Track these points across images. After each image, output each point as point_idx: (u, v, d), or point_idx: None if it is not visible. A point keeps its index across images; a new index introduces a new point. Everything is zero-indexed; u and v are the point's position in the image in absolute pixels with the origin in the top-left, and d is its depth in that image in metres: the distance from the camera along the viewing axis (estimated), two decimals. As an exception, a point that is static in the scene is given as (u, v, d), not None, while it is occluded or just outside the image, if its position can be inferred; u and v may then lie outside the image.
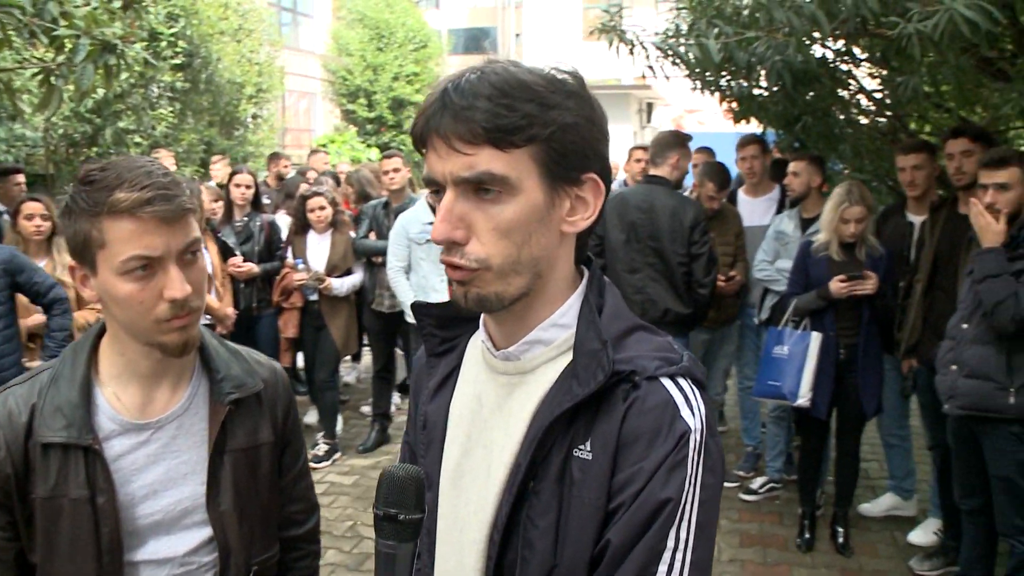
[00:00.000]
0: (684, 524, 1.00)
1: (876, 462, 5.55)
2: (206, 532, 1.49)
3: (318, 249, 5.54)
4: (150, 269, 1.35)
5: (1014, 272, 3.21)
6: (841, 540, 4.41)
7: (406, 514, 1.01)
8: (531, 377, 1.12)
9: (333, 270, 5.52)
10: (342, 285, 5.52)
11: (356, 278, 5.63)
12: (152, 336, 1.40)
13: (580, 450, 1.05)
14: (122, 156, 1.43)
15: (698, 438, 1.02)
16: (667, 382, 1.05)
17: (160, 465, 1.47)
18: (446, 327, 1.26)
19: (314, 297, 5.54)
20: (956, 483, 3.64)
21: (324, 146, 15.66)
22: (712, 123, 14.96)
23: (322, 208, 5.47)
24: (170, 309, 1.37)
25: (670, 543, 0.99)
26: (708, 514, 1.02)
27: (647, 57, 4.77)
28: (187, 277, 1.38)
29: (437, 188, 1.06)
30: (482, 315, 1.18)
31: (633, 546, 0.99)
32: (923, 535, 4.37)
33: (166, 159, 7.51)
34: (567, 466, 1.05)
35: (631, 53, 4.82)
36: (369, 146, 17.61)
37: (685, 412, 1.03)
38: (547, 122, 1.01)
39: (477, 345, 1.22)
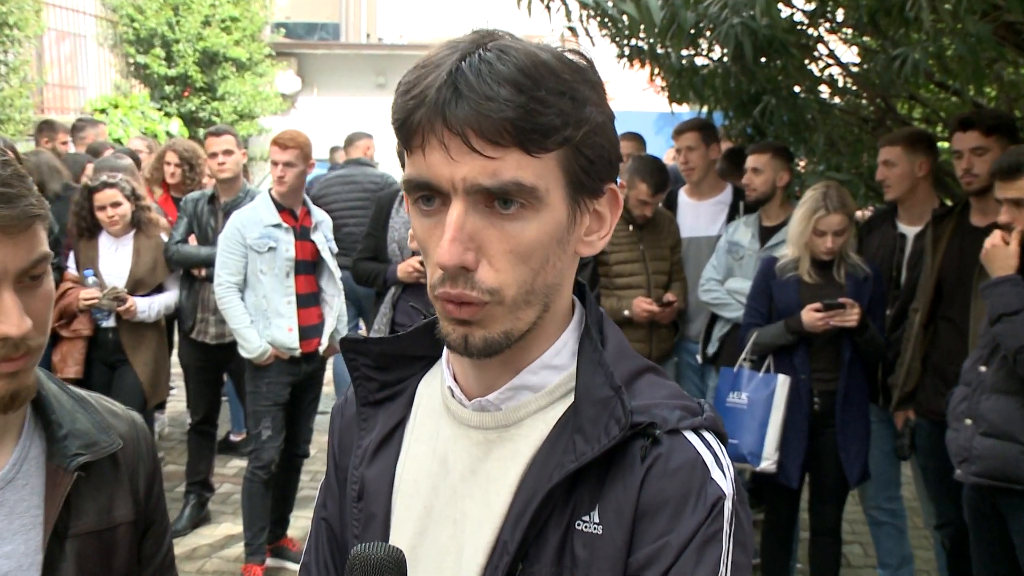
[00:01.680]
0: None
1: (860, 544, 5.57)
2: None
3: (115, 258, 5.25)
4: None
5: None
6: (816, 646, 4.37)
7: None
8: (515, 432, 1.15)
9: (137, 286, 5.22)
10: (150, 307, 5.24)
11: (169, 297, 5.39)
12: None
13: (585, 522, 1.08)
14: None
15: (731, 506, 1.06)
16: (692, 437, 1.09)
17: None
18: (388, 368, 1.29)
19: (109, 323, 5.17)
20: (978, 573, 3.57)
21: (102, 112, 14.62)
22: (624, 99, 15.09)
23: (116, 204, 5.10)
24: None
25: None
26: None
27: (568, 16, 4.68)
28: (27, 307, 1.34)
29: (429, 194, 1.07)
30: (447, 352, 1.23)
31: None
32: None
33: None
34: (568, 543, 1.08)
35: (547, 9, 4.73)
36: (168, 115, 16.45)
37: (716, 474, 1.07)
38: (580, 121, 1.05)
39: (434, 391, 1.26)
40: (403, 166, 1.15)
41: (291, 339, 4.74)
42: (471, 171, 1.02)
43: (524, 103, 1.00)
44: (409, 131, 1.05)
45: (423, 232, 1.09)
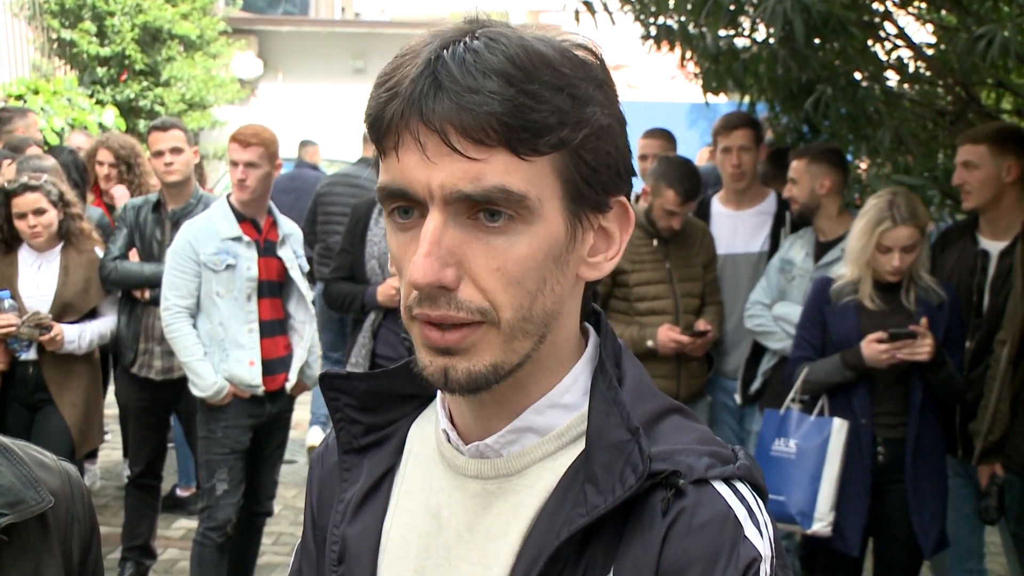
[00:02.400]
0: None
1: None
2: None
3: (38, 276, 5.27)
4: None
5: None
6: None
7: None
8: (518, 483, 1.17)
9: (65, 311, 5.22)
10: (80, 336, 5.23)
11: (104, 325, 5.39)
12: None
13: None
14: None
15: (768, 569, 1.07)
16: (723, 488, 1.11)
17: None
18: (375, 408, 1.31)
19: (29, 355, 5.18)
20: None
21: (19, 99, 14.54)
22: (648, 87, 15.18)
23: (39, 212, 5.10)
24: None
25: None
26: None
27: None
28: None
29: (406, 205, 1.08)
30: (440, 391, 1.24)
31: None
32: None
33: None
34: None
35: None
36: (100, 103, 16.36)
37: (751, 531, 1.08)
38: (580, 122, 1.06)
39: (427, 435, 1.28)
40: (377, 172, 1.17)
41: (252, 375, 4.75)
42: (450, 175, 1.03)
43: (513, 96, 1.02)
44: (381, 129, 1.07)
45: (398, 249, 1.11)
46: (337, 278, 5.11)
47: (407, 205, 1.08)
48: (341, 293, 5.10)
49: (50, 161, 6.09)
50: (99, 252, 5.40)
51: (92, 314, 5.35)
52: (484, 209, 1.05)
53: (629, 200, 1.18)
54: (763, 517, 1.11)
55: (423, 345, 1.10)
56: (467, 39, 1.05)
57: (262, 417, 4.90)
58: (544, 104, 1.03)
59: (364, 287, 5.00)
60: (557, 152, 1.06)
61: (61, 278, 5.24)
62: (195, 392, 4.83)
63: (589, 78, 1.09)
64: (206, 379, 4.73)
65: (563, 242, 1.10)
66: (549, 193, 1.07)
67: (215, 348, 4.83)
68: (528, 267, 1.07)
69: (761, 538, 1.08)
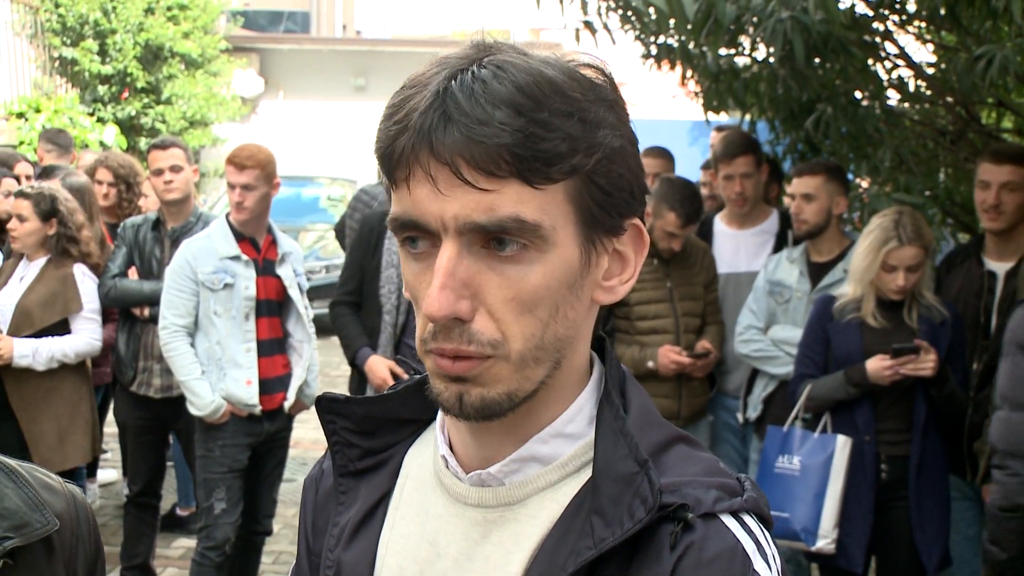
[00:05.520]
0: None
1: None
2: None
3: (18, 287, 5.21)
4: None
5: None
6: None
7: None
8: (520, 512, 1.17)
9: (23, 322, 5.07)
10: (36, 352, 5.01)
11: (71, 342, 5.17)
12: None
13: None
14: None
15: None
16: (730, 521, 1.10)
17: None
18: (372, 433, 1.31)
19: None
20: None
21: (20, 116, 14.57)
22: (647, 104, 15.21)
23: (21, 219, 5.14)
24: None
25: None
26: None
27: (584, 8, 4.74)
28: None
29: (415, 235, 1.09)
30: (442, 416, 1.25)
31: None
32: None
33: None
34: None
35: (559, 0, 4.80)
36: (101, 121, 16.41)
37: (760, 565, 1.08)
38: (592, 147, 1.07)
39: (424, 460, 1.28)
40: (389, 201, 1.17)
41: (249, 394, 4.74)
42: (463, 207, 1.04)
43: (523, 127, 1.02)
44: (392, 161, 1.07)
45: (412, 278, 1.11)
46: (344, 301, 5.08)
47: (417, 235, 1.09)
48: (342, 328, 5.12)
49: (82, 179, 6.11)
50: (83, 270, 5.30)
51: (59, 330, 5.17)
52: (496, 238, 1.05)
53: (643, 221, 1.18)
54: (771, 550, 1.12)
55: (437, 374, 1.10)
56: (475, 68, 1.05)
57: (260, 436, 4.88)
58: (555, 132, 1.03)
59: (361, 340, 5.02)
60: (570, 179, 1.06)
61: (28, 287, 5.17)
62: (192, 411, 4.81)
63: (599, 100, 1.09)
64: (203, 398, 4.71)
65: (577, 268, 1.10)
66: (563, 220, 1.07)
67: (213, 367, 4.82)
68: (542, 296, 1.08)
69: (770, 571, 1.09)
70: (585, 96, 1.07)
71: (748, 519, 1.12)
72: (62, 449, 5.16)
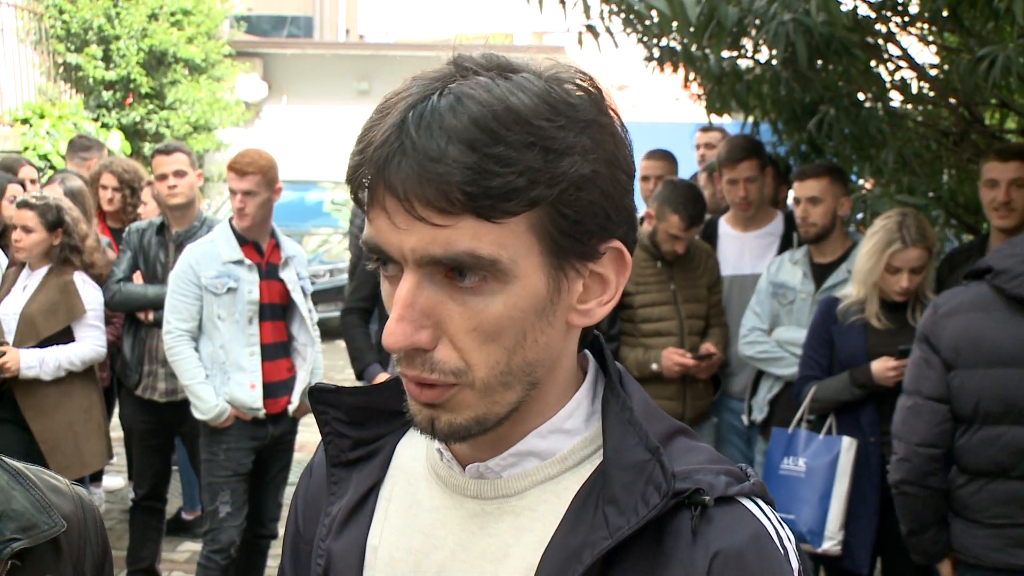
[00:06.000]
0: None
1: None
2: None
3: (21, 296, 5.21)
4: None
5: None
6: None
7: None
8: (518, 504, 1.17)
9: (27, 331, 5.07)
10: (43, 361, 5.01)
11: (76, 349, 5.17)
12: None
13: None
14: None
15: None
16: (750, 504, 1.12)
17: None
18: (363, 423, 1.32)
19: None
20: None
21: (24, 122, 14.62)
22: (650, 107, 15.23)
23: (27, 231, 5.12)
24: None
25: None
26: None
27: (587, 12, 4.74)
28: None
29: (383, 258, 1.09)
30: None
31: None
32: None
33: None
34: None
35: (562, 4, 4.80)
36: (106, 126, 16.39)
37: (787, 544, 1.12)
38: (555, 178, 1.04)
39: (417, 451, 1.29)
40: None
41: (253, 397, 4.75)
42: (419, 240, 1.04)
43: (475, 164, 1.00)
44: (356, 189, 1.08)
45: (386, 297, 1.11)
46: (356, 309, 5.08)
47: (387, 259, 1.08)
48: (352, 340, 5.13)
49: (78, 183, 6.11)
50: (83, 277, 5.30)
51: (62, 339, 5.17)
52: (456, 268, 1.05)
53: (628, 242, 1.15)
54: (785, 531, 1.14)
55: (410, 397, 1.12)
56: (435, 97, 1.04)
57: (264, 440, 4.89)
58: (511, 166, 1.01)
59: (371, 356, 5.02)
60: (531, 210, 1.04)
61: (30, 297, 5.17)
62: (197, 415, 4.83)
63: (572, 123, 1.06)
64: (207, 402, 4.72)
65: (545, 295, 1.09)
66: (525, 251, 1.06)
67: (217, 371, 4.83)
68: (504, 325, 1.07)
69: (792, 554, 1.12)
70: (553, 122, 1.04)
71: (763, 504, 1.14)
72: (80, 456, 5.17)
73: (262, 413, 4.78)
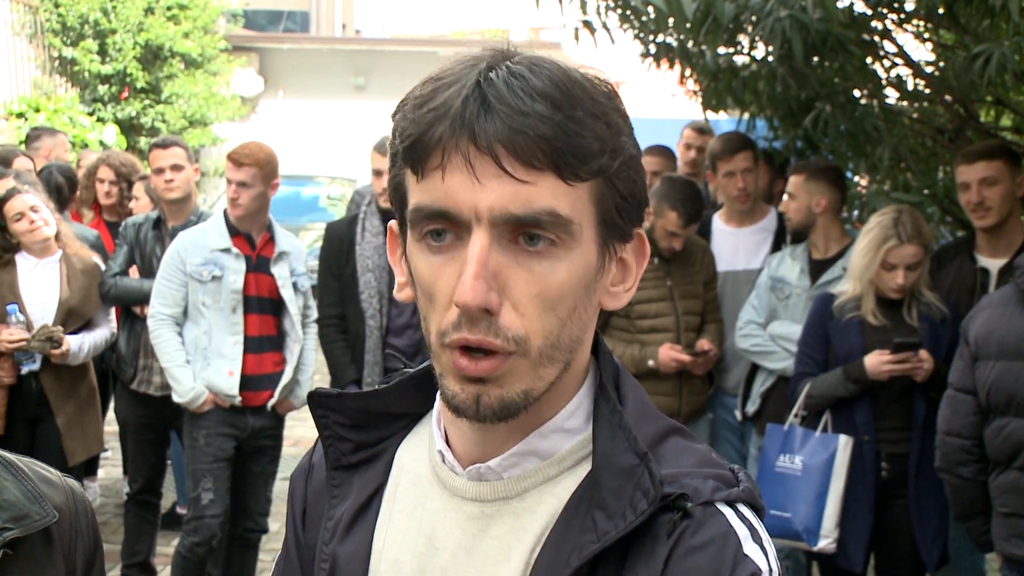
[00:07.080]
0: None
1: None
2: None
3: (38, 285, 5.20)
4: None
5: None
6: None
7: None
8: (519, 506, 1.17)
9: (69, 319, 5.17)
10: (81, 346, 5.19)
11: (99, 335, 5.35)
12: None
13: None
14: None
15: None
16: (725, 508, 1.12)
17: None
18: (364, 426, 1.31)
19: (33, 366, 5.13)
20: None
21: (20, 116, 14.58)
22: (646, 103, 15.22)
23: (36, 210, 5.14)
24: None
25: None
26: None
27: (583, 7, 4.73)
28: None
29: (442, 226, 1.08)
30: (438, 411, 1.24)
31: None
32: None
33: None
34: None
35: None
36: (101, 120, 16.35)
37: (750, 548, 1.10)
38: (616, 150, 1.09)
39: (418, 454, 1.28)
40: (395, 196, 1.16)
41: (230, 384, 4.75)
42: (499, 197, 1.04)
43: (561, 121, 1.04)
44: (425, 150, 1.07)
45: (429, 272, 1.10)
46: (330, 321, 5.15)
47: (444, 227, 1.08)
48: (330, 356, 5.22)
49: (32, 177, 6.10)
50: (99, 263, 5.40)
51: (88, 324, 5.31)
52: (525, 233, 1.06)
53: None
54: (764, 536, 1.13)
55: (454, 374, 1.10)
56: (509, 63, 1.07)
57: (245, 430, 4.88)
58: (587, 131, 1.05)
59: (349, 373, 5.13)
60: (596, 179, 1.08)
61: (64, 286, 5.21)
62: (175, 398, 4.86)
63: (616, 108, 1.11)
64: (184, 384, 4.74)
65: (594, 270, 1.12)
66: (587, 220, 1.09)
67: (198, 356, 4.85)
68: (565, 294, 1.09)
69: (763, 555, 1.10)
70: (607, 103, 1.09)
71: (743, 508, 1.14)
72: (85, 439, 5.28)
73: (238, 400, 4.77)
